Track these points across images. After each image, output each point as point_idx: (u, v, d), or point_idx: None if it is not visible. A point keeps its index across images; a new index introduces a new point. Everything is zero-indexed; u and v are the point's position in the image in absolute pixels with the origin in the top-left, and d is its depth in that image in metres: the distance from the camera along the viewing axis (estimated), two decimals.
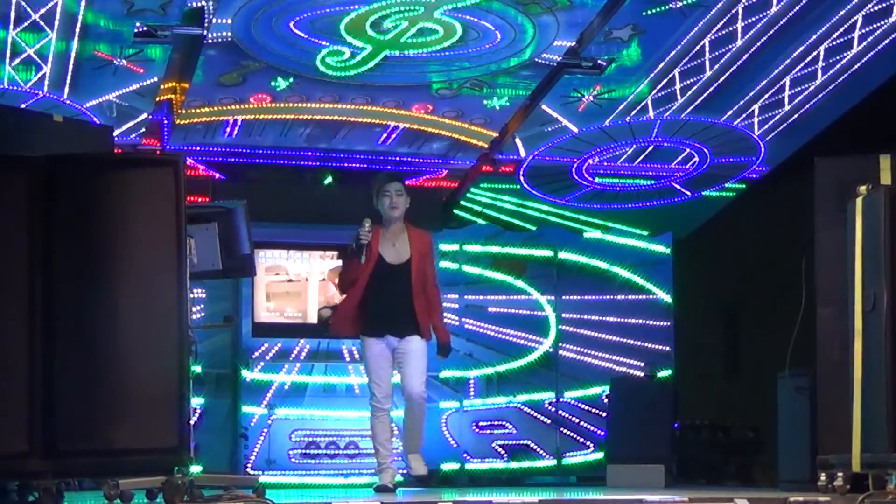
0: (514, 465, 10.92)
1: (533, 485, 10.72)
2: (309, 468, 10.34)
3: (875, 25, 9.08)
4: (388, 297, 7.61)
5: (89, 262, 5.72)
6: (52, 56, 8.66)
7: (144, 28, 8.53)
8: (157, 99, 9.51)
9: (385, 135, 10.31)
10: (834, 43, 9.24)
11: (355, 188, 10.62)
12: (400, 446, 8.23)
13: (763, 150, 10.64)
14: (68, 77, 8.91)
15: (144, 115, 9.62)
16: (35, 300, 5.65)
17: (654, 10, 8.66)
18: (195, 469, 6.08)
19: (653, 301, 11.29)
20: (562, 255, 11.30)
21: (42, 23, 8.33)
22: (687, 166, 10.95)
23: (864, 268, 6.74)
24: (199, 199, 9.54)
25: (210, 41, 8.70)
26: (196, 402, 9.67)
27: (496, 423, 10.95)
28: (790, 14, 8.86)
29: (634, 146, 10.61)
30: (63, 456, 5.62)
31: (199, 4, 8.47)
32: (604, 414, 10.62)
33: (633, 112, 10.02)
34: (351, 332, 7.87)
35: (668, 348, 11.18)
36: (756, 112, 10.09)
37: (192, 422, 6.06)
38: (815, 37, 9.18)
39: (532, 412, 11.03)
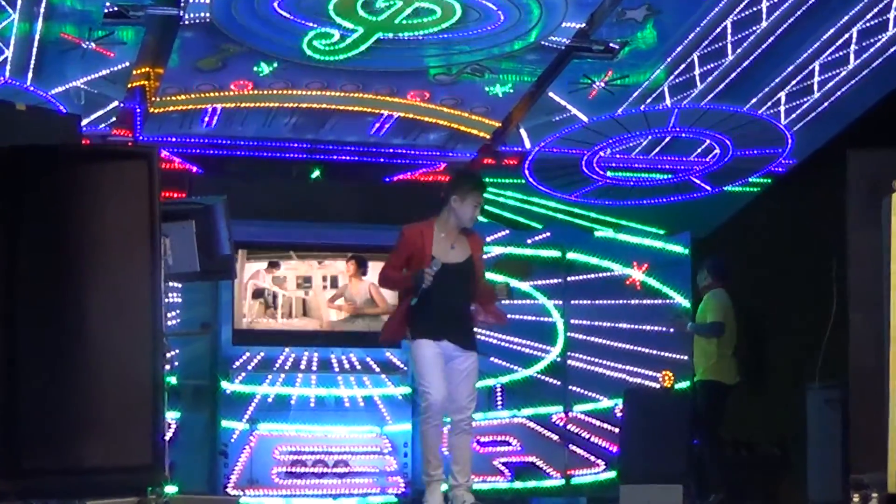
0: (518, 484, 10.93)
1: None
2: (295, 488, 10.34)
3: None
4: (446, 300, 7.53)
5: (55, 263, 5.72)
6: (15, 39, 8.66)
7: (115, 8, 8.54)
8: (129, 85, 9.52)
9: (377, 125, 10.32)
10: (868, 24, 9.24)
11: (345, 183, 10.64)
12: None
13: (790, 141, 10.65)
14: (32, 62, 8.91)
15: (115, 104, 9.63)
16: None
17: None
18: (170, 489, 6.08)
19: (670, 306, 11.30)
20: (570, 255, 11.31)
21: (3, 2, 8.33)
22: (707, 159, 10.96)
23: None
24: (175, 195, 9.55)
25: (187, 22, 8.71)
26: (171, 416, 9.68)
27: (499, 438, 10.96)
28: None
29: (650, 137, 10.62)
30: (27, 475, 5.62)
31: None
32: (616, 429, 10.63)
33: (649, 100, 10.03)
34: (401, 338, 7.91)
35: (686, 357, 11.19)
36: (783, 100, 10.10)
37: (167, 437, 6.06)
38: (847, 17, 9.18)
39: (538, 427, 11.03)
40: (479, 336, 10.83)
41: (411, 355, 7.71)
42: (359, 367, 10.56)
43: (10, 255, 5.71)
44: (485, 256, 11.04)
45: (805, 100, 10.13)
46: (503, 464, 10.92)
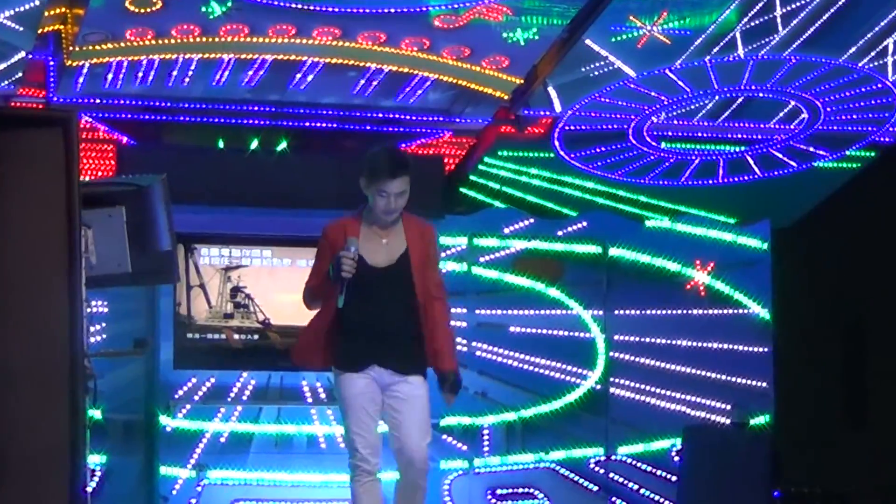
0: None
1: None
2: None
3: None
4: (375, 313, 7.52)
5: None
6: None
7: None
8: (40, 31, 9.52)
9: (363, 81, 10.33)
10: None
11: (319, 157, 10.64)
12: None
13: None
14: None
15: (22, 54, 9.62)
16: None
17: None
18: None
19: (743, 317, 11.32)
20: (614, 251, 11.31)
21: None
22: (791, 126, 10.96)
23: None
24: (100, 174, 9.54)
25: None
26: (95, 460, 9.69)
27: (521, 490, 10.98)
28: None
29: (717, 98, 10.62)
30: None
31: None
32: (674, 478, 10.64)
33: (716, 50, 10.03)
34: (321, 362, 7.83)
35: (764, 384, 11.20)
36: (890, 49, 10.10)
37: (89, 488, 6.06)
38: None
39: (572, 475, 11.05)
40: (493, 357, 10.79)
41: (335, 389, 7.62)
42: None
43: None
44: (499, 255, 11.17)
45: None
46: None
